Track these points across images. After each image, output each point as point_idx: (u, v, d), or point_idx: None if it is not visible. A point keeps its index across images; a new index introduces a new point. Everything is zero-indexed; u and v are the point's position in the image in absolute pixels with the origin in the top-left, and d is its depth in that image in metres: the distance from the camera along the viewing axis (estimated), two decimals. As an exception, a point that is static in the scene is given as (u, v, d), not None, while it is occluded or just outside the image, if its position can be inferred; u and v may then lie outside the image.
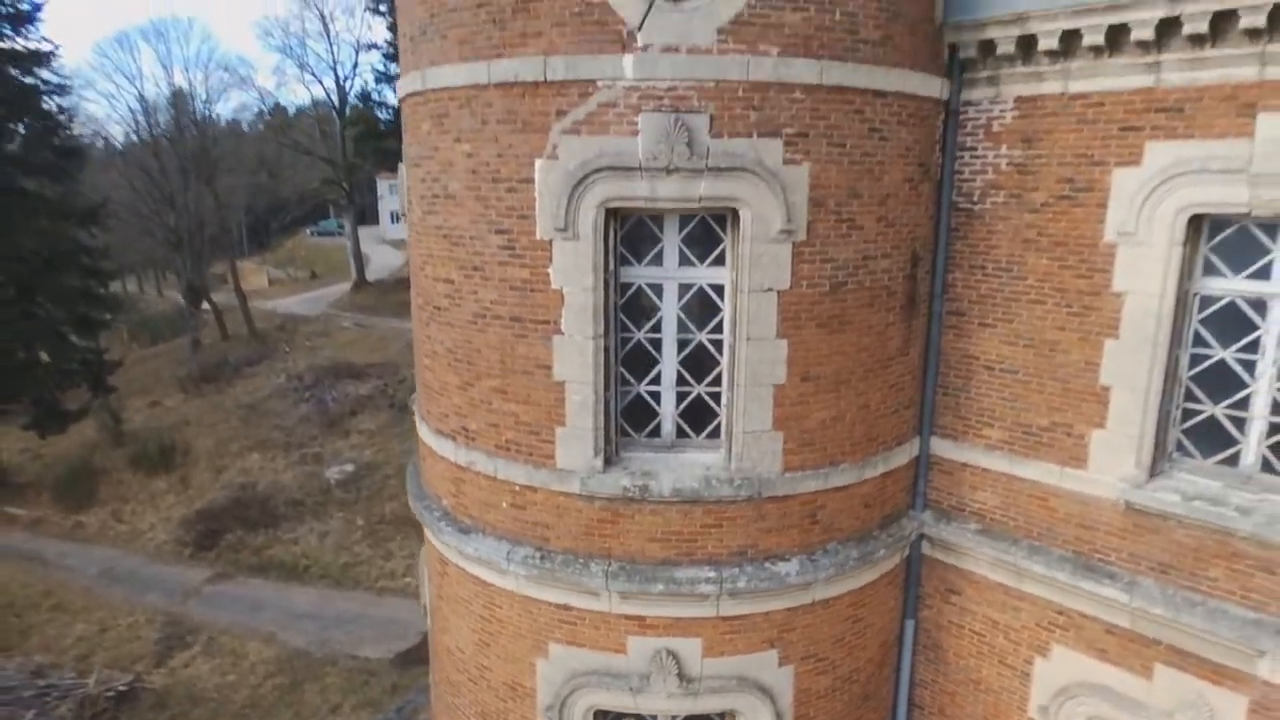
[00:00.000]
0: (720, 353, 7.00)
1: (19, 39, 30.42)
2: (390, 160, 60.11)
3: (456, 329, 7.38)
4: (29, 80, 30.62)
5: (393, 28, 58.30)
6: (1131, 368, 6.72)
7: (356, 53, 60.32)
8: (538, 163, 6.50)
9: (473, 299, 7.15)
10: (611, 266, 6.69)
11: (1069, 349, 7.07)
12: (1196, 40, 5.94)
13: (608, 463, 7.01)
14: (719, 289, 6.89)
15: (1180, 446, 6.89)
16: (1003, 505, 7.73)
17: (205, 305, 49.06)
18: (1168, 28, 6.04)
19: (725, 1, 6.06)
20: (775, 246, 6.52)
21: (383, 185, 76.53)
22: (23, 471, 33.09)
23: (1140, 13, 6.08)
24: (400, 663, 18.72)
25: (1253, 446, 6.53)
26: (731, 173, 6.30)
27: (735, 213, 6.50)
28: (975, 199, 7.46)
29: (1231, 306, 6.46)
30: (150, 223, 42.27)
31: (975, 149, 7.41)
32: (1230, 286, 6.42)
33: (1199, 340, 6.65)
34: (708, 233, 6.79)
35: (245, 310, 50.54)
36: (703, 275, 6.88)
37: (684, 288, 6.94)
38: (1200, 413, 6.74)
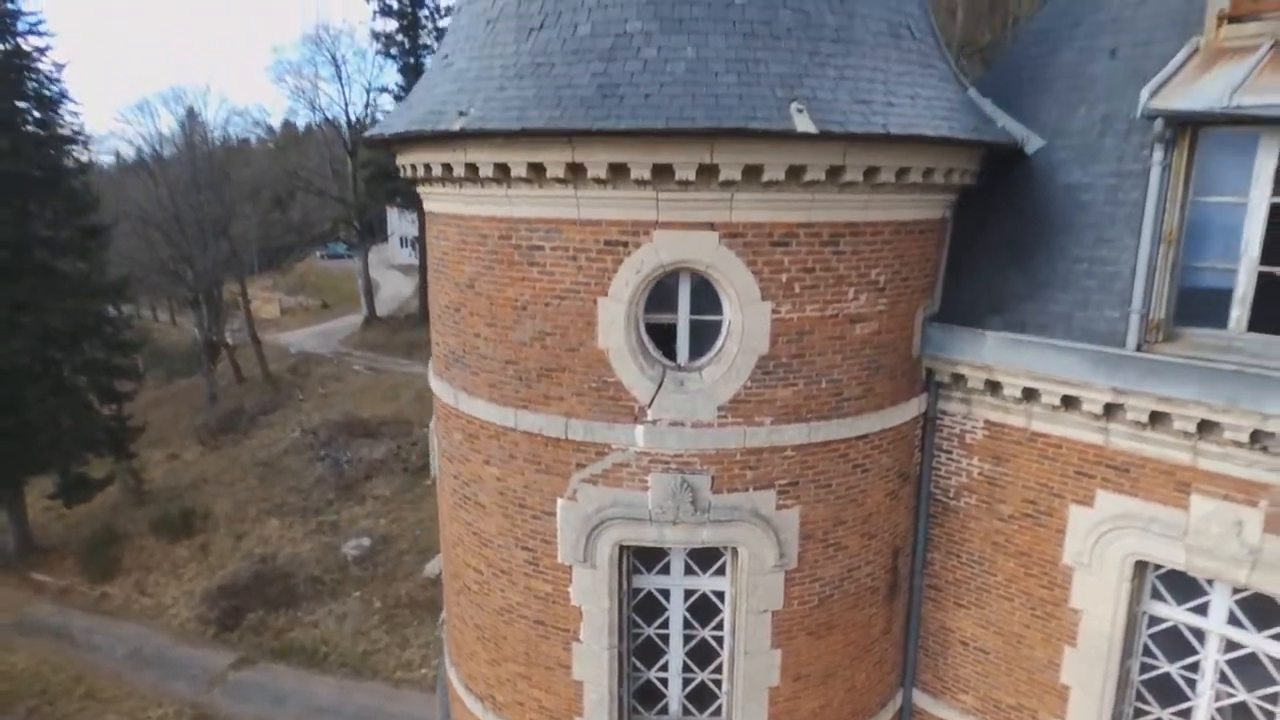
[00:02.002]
0: (721, 646, 7.86)
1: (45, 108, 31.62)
2: (401, 196, 61.27)
3: (486, 613, 8.24)
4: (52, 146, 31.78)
5: (403, 70, 59.37)
6: (1088, 675, 7.54)
7: (368, 94, 60.79)
8: (559, 501, 7.36)
9: (500, 595, 8.01)
10: (625, 586, 7.55)
11: (1034, 645, 7.89)
12: (1139, 424, 6.77)
13: (621, 745, 7.87)
14: (720, 594, 7.74)
15: (1133, 739, 7.71)
16: (977, 764, 8.55)
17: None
18: (1114, 408, 6.86)
19: (725, 384, 6.91)
20: (770, 576, 7.37)
21: (392, 214, 77.40)
22: (48, 532, 34.12)
23: (1089, 392, 6.90)
24: (419, 768, 19.61)
25: (1195, 752, 7.35)
26: (730, 522, 7.15)
27: (735, 549, 7.35)
28: (951, 495, 8.29)
29: (1176, 628, 7.28)
30: (170, 280, 43.39)
31: (951, 452, 8.24)
32: (1174, 614, 7.24)
33: (1149, 651, 7.47)
34: (710, 551, 7.64)
35: (259, 354, 51.54)
36: (705, 584, 7.73)
37: (689, 592, 7.79)
38: (1150, 713, 7.57)
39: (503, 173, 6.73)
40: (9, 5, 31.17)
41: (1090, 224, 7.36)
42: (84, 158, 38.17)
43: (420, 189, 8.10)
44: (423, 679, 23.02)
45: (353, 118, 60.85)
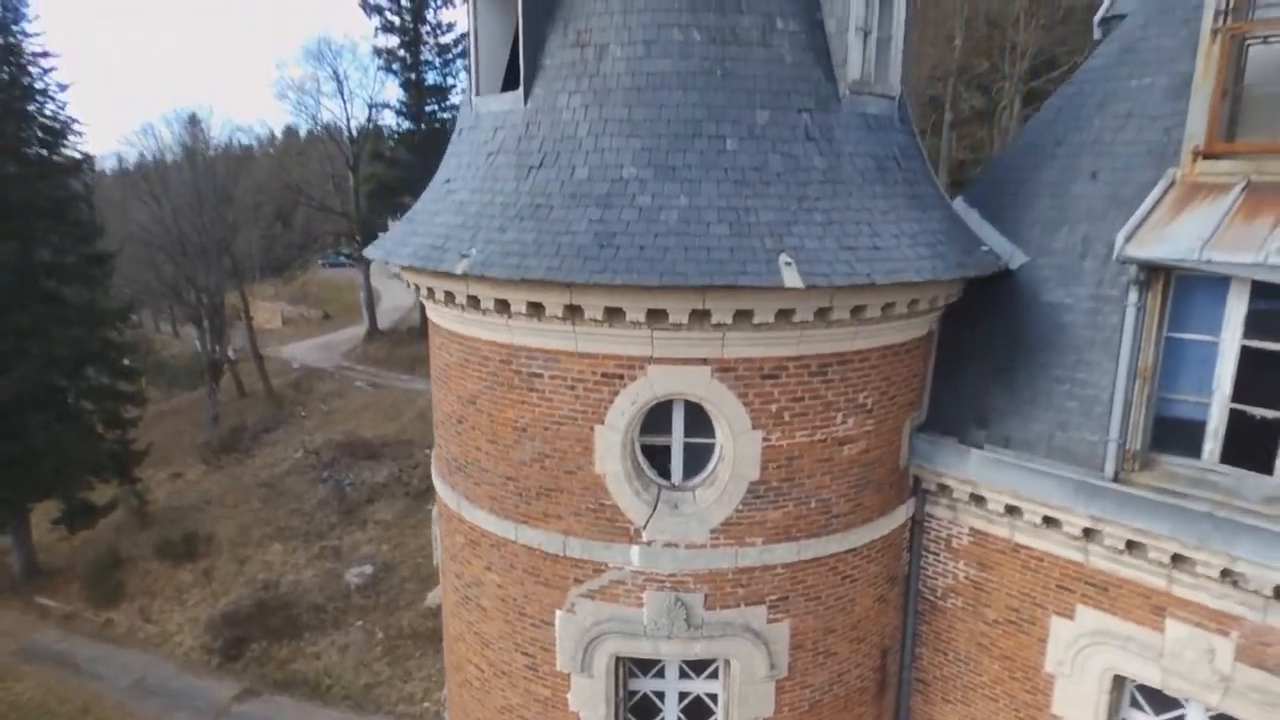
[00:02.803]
0: (714, 745, 8.12)
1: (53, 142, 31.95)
2: (402, 210, 61.62)
3: (487, 710, 8.51)
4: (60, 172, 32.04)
5: (404, 85, 59.69)
6: (1069, 779, 7.80)
7: (370, 109, 61.20)
8: (558, 613, 7.62)
9: (500, 694, 8.28)
10: (621, 693, 7.81)
11: (1017, 747, 8.15)
12: (1116, 549, 7.03)
13: (618, 842, 8.13)
14: (714, 696, 8.00)
15: (1114, 841, 7.96)
16: None
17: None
18: (1092, 532, 7.12)
19: (717, 508, 7.17)
20: (761, 686, 7.63)
21: (394, 226, 77.54)
22: (52, 553, 34.38)
23: (1069, 516, 7.17)
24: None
25: None
26: (723, 637, 7.42)
27: (727, 660, 7.61)
28: (938, 595, 8.55)
29: (1153, 736, 7.54)
30: (172, 296, 43.85)
31: (938, 554, 8.49)
32: (1150, 725, 7.50)
33: (1128, 757, 7.73)
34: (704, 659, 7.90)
35: (262, 370, 51.94)
36: (699, 687, 8.00)
37: (683, 694, 8.05)
38: (1129, 816, 7.82)
39: (503, 306, 7.00)
40: (13, 30, 31.47)
41: (1071, 345, 7.61)
42: (88, 179, 38.50)
43: (424, 301, 8.36)
44: (424, 713, 23.30)
45: (354, 132, 61.18)
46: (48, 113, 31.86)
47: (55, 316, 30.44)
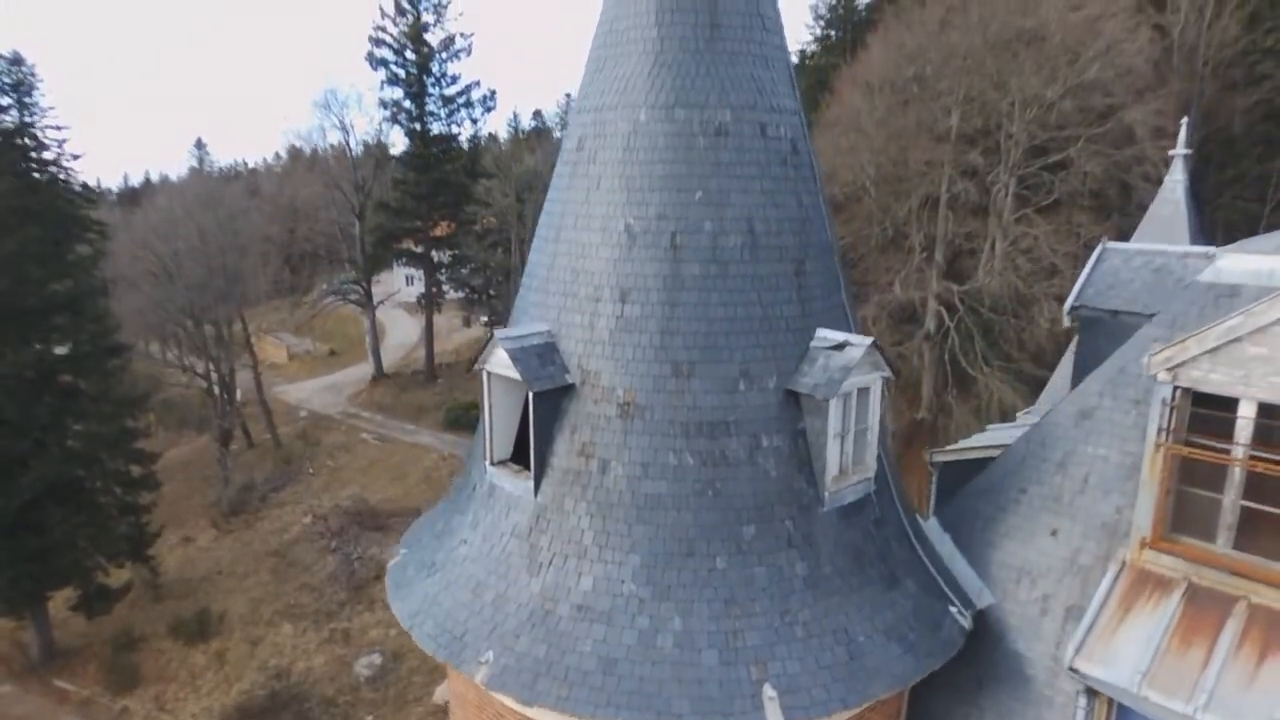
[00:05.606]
0: None
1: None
2: (406, 255, 63.14)
3: None
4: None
5: (410, 135, 60.67)
6: None
7: (376, 161, 62.26)
8: None
9: None
10: None
11: None
12: None
13: None
14: None
15: None
16: None
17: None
18: None
19: None
20: None
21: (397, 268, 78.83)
22: (68, 630, 35.22)
23: None
24: None
25: None
26: None
27: None
28: None
29: None
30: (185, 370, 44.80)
31: None
32: None
33: None
34: None
35: (270, 422, 53.00)
36: None
37: None
38: None
39: (517, 693, 7.78)
40: (31, 129, 32.36)
41: (1032, 701, 8.35)
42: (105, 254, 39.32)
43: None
44: (434, 825, 24.12)
45: (360, 179, 62.05)
46: (66, 187, 32.80)
47: (72, 410, 31.31)
